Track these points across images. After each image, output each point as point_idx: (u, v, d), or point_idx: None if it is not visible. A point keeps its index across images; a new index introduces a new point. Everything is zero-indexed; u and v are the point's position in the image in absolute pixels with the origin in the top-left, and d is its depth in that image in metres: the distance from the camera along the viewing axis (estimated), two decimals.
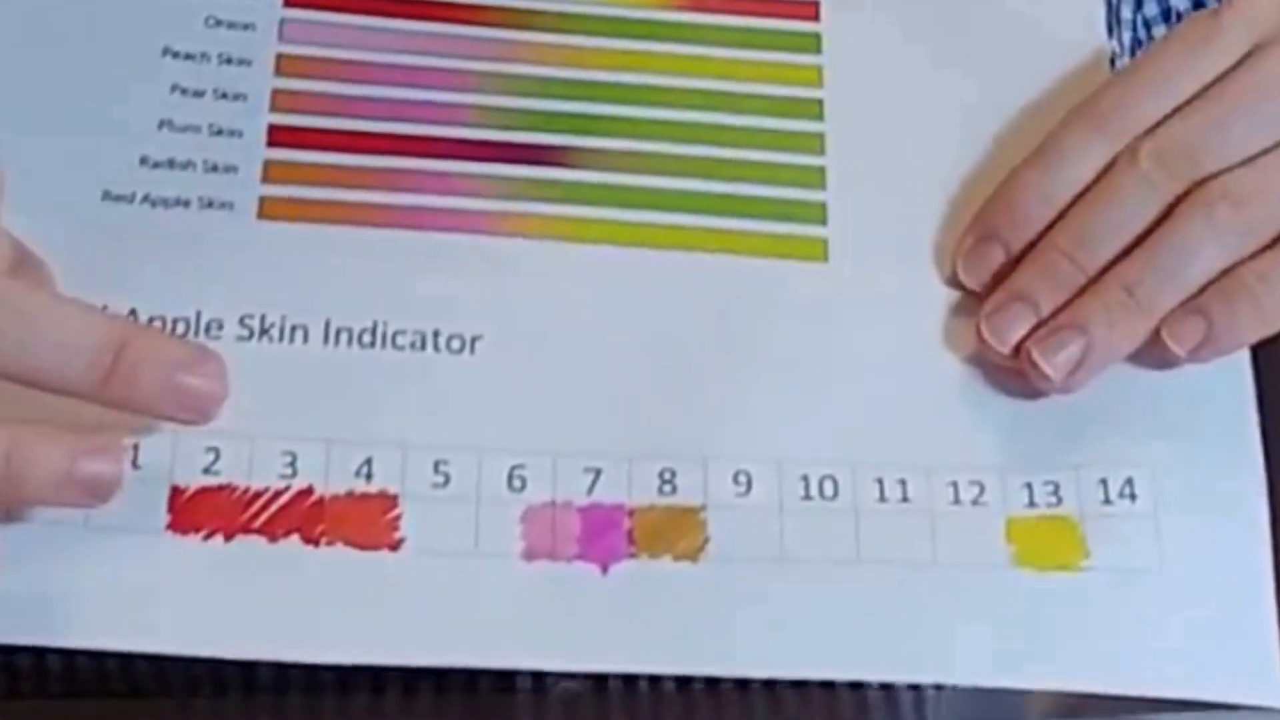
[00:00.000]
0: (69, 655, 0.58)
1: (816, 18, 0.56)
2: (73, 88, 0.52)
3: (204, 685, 0.58)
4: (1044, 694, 0.68)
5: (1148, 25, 0.69)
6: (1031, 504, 0.50)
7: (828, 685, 0.59)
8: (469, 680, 0.58)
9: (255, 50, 0.53)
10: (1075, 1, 0.58)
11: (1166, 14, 0.69)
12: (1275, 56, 0.52)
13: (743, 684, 0.59)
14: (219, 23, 0.53)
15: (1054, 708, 0.64)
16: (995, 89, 0.56)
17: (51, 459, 0.44)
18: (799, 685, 0.59)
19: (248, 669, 0.58)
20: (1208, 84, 0.52)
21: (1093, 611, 0.50)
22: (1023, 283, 0.51)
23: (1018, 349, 0.51)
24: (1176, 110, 0.52)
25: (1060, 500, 0.50)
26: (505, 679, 0.58)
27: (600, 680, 0.58)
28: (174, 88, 0.52)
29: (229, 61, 0.53)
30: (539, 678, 0.58)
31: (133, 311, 0.49)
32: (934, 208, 0.54)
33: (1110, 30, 0.65)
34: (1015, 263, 0.52)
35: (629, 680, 0.59)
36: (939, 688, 0.62)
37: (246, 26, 0.53)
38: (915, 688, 0.61)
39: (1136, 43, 0.68)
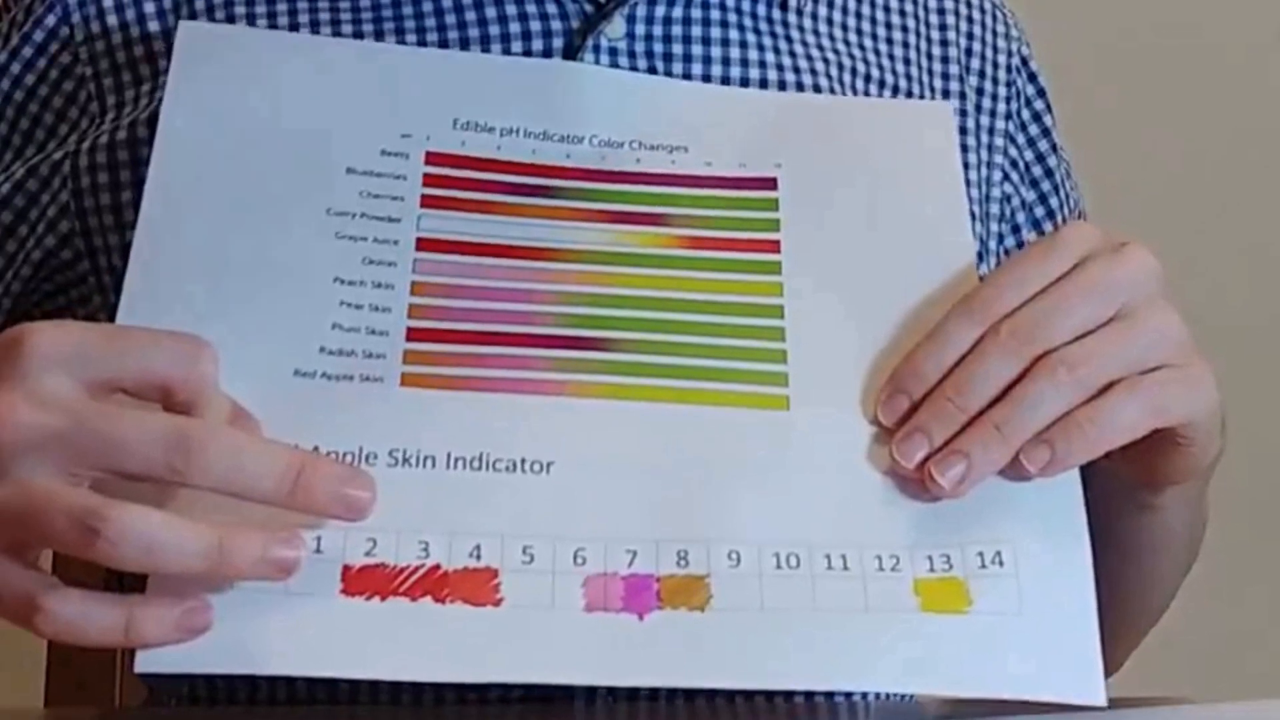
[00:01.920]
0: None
1: (778, 251, 0.69)
2: (275, 302, 0.65)
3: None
4: (934, 700, 0.80)
5: (1001, 238, 0.83)
6: (932, 570, 0.62)
7: (788, 698, 0.73)
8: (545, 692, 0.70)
9: (397, 279, 0.66)
10: (953, 237, 0.71)
11: (1015, 229, 0.84)
12: (1095, 266, 0.63)
13: (730, 699, 0.72)
14: (373, 262, 0.67)
15: (941, 711, 0.78)
16: (900, 295, 0.68)
17: (251, 547, 0.55)
18: (769, 698, 0.73)
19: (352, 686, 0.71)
20: (1050, 283, 0.63)
21: (973, 641, 0.61)
22: (921, 421, 0.63)
23: (920, 466, 0.63)
24: (1027, 302, 0.63)
25: (951, 566, 0.62)
26: (568, 690, 0.70)
27: (633, 695, 0.72)
28: (342, 303, 0.66)
29: (379, 286, 0.66)
30: (591, 692, 0.71)
31: (315, 447, 0.61)
32: (861, 373, 0.66)
33: (981, 258, 0.80)
34: (916, 408, 0.64)
35: (652, 696, 0.72)
36: (865, 695, 0.76)
37: (390, 264, 0.67)
38: (849, 696, 0.75)
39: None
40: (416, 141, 0.70)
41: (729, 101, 0.77)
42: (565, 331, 0.67)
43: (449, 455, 0.63)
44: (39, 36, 0.80)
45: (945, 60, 0.85)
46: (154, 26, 0.78)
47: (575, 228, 0.69)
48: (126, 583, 0.59)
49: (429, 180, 0.69)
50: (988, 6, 0.88)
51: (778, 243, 0.70)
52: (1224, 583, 1.15)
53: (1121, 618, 0.72)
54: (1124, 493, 0.72)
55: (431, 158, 0.70)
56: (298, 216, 0.68)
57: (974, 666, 0.61)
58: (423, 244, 0.68)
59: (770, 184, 0.72)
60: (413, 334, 0.66)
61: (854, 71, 0.83)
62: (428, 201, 0.69)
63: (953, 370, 0.64)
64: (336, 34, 0.78)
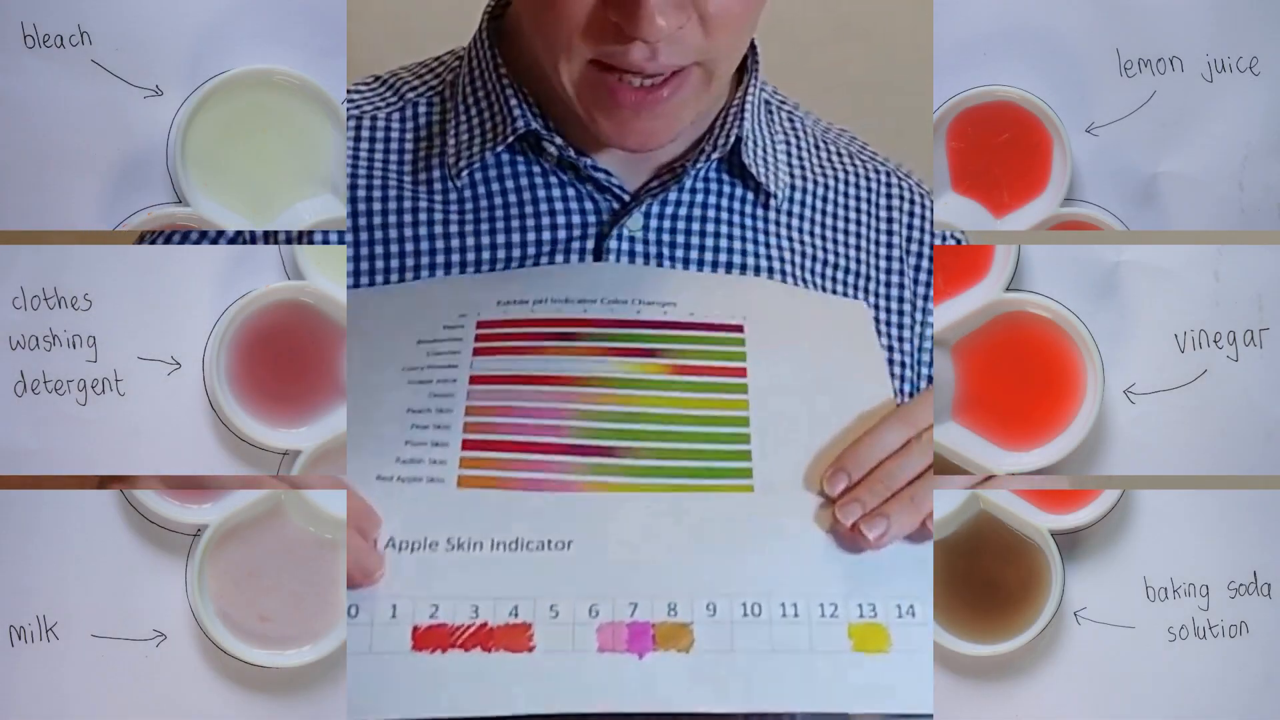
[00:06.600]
0: None
1: (745, 376, 0.85)
2: (367, 427, 0.81)
3: None
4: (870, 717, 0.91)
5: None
6: (862, 616, 0.76)
7: None
8: None
9: (454, 405, 0.82)
10: (874, 375, 0.88)
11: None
12: None
13: None
14: (436, 395, 0.83)
15: None
16: (833, 406, 0.85)
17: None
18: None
19: None
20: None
21: (893, 673, 0.75)
22: (858, 493, 0.81)
23: (854, 527, 0.79)
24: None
25: (876, 614, 0.76)
26: None
27: None
28: (412, 425, 0.81)
29: (441, 411, 0.82)
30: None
31: (390, 537, 0.77)
32: (805, 463, 0.82)
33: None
34: (850, 487, 0.81)
35: None
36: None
37: (450, 395, 0.83)
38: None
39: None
40: (470, 317, 0.88)
41: (707, 279, 0.94)
42: (582, 441, 0.82)
43: (493, 539, 0.78)
44: None
45: (890, 245, 1.05)
46: None
47: (588, 360, 0.86)
48: None
49: (479, 338, 0.86)
50: (918, 199, 1.07)
51: (745, 369, 0.87)
52: None
53: None
54: None
55: (481, 324, 0.87)
56: (384, 373, 0.86)
57: (891, 689, 0.76)
58: (474, 379, 0.84)
59: (739, 329, 0.89)
60: (467, 445, 0.82)
61: (814, 258, 1.01)
62: (479, 351, 0.86)
63: (883, 462, 0.83)
64: (445, 219, 0.96)
